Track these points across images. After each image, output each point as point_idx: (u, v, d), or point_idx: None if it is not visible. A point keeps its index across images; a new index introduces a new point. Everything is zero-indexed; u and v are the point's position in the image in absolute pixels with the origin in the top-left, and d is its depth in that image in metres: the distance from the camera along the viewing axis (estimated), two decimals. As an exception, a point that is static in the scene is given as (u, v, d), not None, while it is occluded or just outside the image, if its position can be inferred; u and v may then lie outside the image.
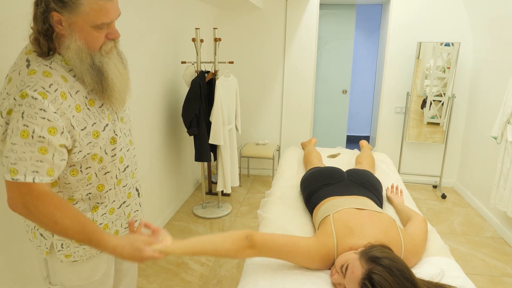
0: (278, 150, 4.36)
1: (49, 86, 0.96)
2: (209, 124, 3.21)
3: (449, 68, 3.81)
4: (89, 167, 1.12)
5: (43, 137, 0.94)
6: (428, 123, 4.00)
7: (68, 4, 0.95)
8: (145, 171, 2.84)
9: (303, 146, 2.98)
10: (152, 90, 2.90)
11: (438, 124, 3.98)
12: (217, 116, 3.12)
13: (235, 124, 3.52)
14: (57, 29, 0.98)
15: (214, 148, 3.38)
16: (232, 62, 3.35)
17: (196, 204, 3.62)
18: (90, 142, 1.07)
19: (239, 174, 4.22)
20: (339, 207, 1.52)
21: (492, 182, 3.25)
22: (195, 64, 3.26)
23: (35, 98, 0.93)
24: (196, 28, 3.16)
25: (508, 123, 2.84)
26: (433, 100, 3.92)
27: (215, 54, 3.23)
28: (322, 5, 4.24)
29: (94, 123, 1.08)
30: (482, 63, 3.66)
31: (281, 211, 1.89)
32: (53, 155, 0.97)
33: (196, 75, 3.18)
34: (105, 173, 1.17)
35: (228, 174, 3.34)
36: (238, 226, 3.23)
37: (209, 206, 3.56)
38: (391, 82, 4.12)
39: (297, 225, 1.75)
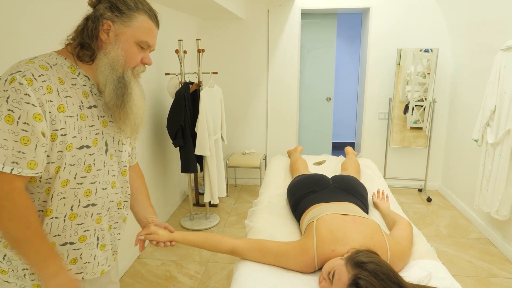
0: (265, 159, 4.37)
1: (39, 76, 0.97)
2: (194, 135, 3.19)
3: (429, 73, 3.90)
4: (49, 181, 1.03)
5: (28, 124, 0.93)
6: (411, 128, 4.07)
7: (125, 15, 1.04)
8: (131, 184, 2.80)
9: (289, 154, 2.99)
10: (136, 102, 2.88)
11: (421, 128, 4.05)
12: (202, 127, 3.11)
13: (221, 134, 3.51)
14: (102, 37, 1.04)
15: (200, 159, 3.36)
16: (216, 73, 3.36)
17: (184, 216, 3.59)
18: (60, 151, 1.00)
19: (226, 184, 4.20)
20: (324, 213, 1.53)
21: (475, 184, 3.31)
22: (179, 76, 3.26)
23: (21, 83, 0.93)
24: (179, 40, 3.16)
25: (488, 125, 2.91)
26: (415, 105, 3.99)
27: (199, 65, 3.23)
28: (303, 15, 4.31)
29: (75, 137, 1.02)
30: (461, 68, 3.76)
31: (269, 220, 1.89)
32: (36, 146, 0.95)
33: (180, 86, 3.18)
34: (61, 198, 1.04)
35: (215, 184, 3.32)
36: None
37: (197, 218, 3.53)
38: (373, 88, 4.18)
39: (285, 233, 1.75)
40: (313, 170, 2.64)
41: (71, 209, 1.06)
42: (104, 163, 1.12)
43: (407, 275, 1.37)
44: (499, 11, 2.84)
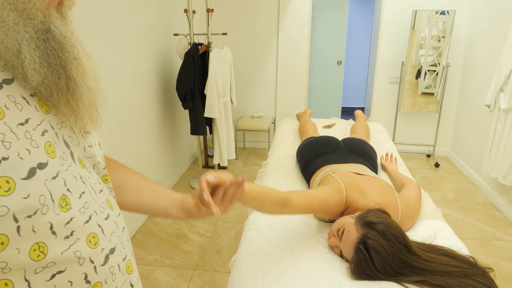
0: (274, 123, 4.37)
1: None
2: (204, 97, 3.19)
3: (444, 37, 3.79)
4: (5, 264, 0.47)
5: None
6: (423, 93, 4.01)
7: None
8: (141, 146, 2.84)
9: (298, 117, 2.99)
10: (144, 64, 2.86)
11: (432, 94, 4.00)
12: (211, 89, 3.10)
13: (230, 97, 3.50)
14: None
15: (209, 121, 3.38)
16: (225, 34, 3.29)
17: (193, 178, 3.66)
18: None
19: (235, 147, 4.24)
20: (338, 170, 1.57)
21: (484, 150, 3.30)
22: (188, 36, 3.21)
23: None
24: (188, -1, 3.09)
25: (501, 90, 2.86)
26: (428, 70, 3.91)
27: (208, 25, 3.17)
28: (316, -26, 4.16)
29: (4, 158, 0.45)
30: (477, 32, 3.64)
31: (278, 181, 1.92)
32: None
33: (190, 47, 3.14)
34: (51, 277, 0.52)
35: (224, 147, 3.36)
36: (235, 198, 3.27)
37: (206, 179, 3.59)
38: (385, 52, 4.09)
39: (293, 194, 1.78)
40: (323, 133, 2.64)
41: (87, 280, 0.56)
42: (81, 177, 0.57)
43: (413, 233, 1.40)
44: (522, -30, 2.71)
